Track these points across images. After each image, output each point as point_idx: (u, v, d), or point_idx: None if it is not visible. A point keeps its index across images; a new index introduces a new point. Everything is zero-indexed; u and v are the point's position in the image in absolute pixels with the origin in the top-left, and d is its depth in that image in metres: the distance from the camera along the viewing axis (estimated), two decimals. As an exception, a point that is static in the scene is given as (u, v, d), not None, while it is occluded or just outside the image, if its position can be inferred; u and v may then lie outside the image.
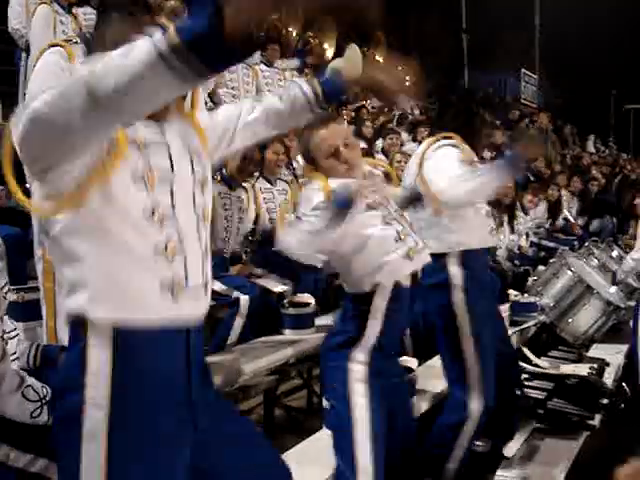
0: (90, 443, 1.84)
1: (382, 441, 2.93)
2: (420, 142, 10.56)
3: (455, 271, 3.67)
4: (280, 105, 2.29)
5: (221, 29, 1.41)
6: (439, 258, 3.62)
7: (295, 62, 10.01)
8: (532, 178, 10.54)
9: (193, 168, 2.04)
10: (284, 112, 2.29)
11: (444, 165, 3.57)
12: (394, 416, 3.07)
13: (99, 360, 1.86)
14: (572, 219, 10.78)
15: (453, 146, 3.70)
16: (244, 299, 4.79)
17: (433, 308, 3.76)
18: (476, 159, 3.79)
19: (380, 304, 2.94)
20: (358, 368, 2.93)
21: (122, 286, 1.87)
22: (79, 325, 1.89)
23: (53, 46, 3.82)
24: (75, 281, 1.88)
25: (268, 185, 5.99)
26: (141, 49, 1.49)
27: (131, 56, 1.50)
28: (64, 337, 3.73)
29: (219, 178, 5.26)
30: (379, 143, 9.81)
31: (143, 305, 1.89)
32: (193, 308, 2.00)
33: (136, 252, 1.88)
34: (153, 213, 1.89)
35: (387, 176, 3.43)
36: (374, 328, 2.95)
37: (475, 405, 3.64)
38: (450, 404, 3.76)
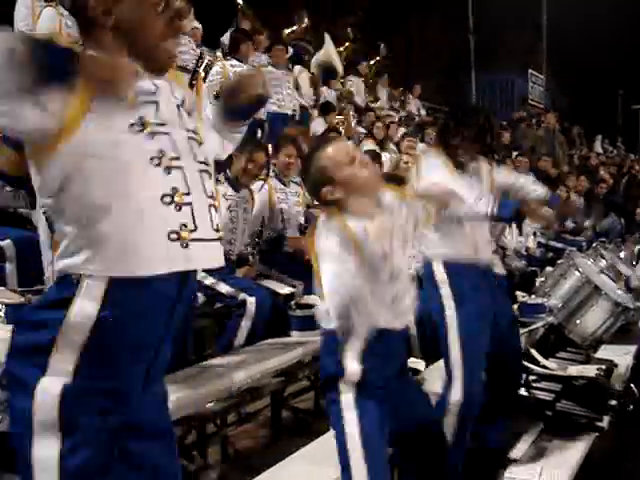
0: (52, 378, 1.86)
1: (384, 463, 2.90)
2: (428, 143, 10.65)
3: (440, 275, 3.80)
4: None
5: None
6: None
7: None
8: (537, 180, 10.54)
9: (185, 126, 2.07)
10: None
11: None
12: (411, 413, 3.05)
13: (84, 307, 1.86)
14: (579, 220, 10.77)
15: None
16: (251, 301, 4.80)
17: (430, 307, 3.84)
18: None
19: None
20: (347, 397, 2.87)
21: (129, 239, 1.87)
22: (70, 281, 1.89)
23: None
24: (79, 240, 1.88)
25: (281, 186, 6.02)
26: None
27: None
28: None
29: (223, 179, 5.26)
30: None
31: (148, 258, 1.90)
32: (200, 257, 2.00)
33: (139, 202, 1.88)
34: (159, 163, 1.92)
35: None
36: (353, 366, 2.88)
37: (455, 398, 3.70)
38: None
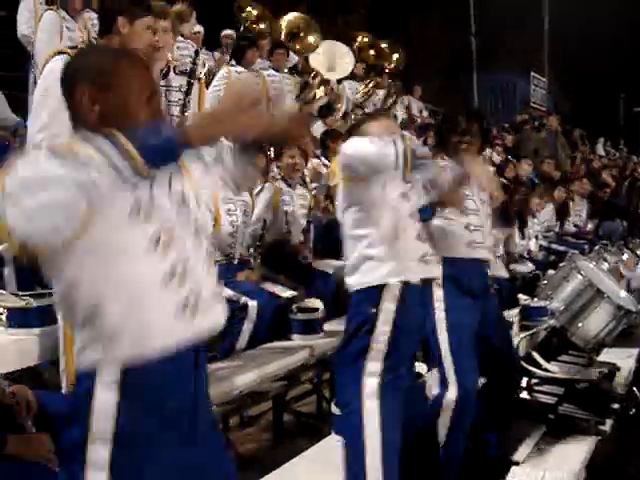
0: (93, 474, 1.91)
1: (396, 453, 2.92)
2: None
3: None
4: None
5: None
6: None
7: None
8: (537, 181, 10.55)
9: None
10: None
11: None
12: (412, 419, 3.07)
13: (105, 399, 1.91)
14: (581, 224, 10.77)
15: None
16: (252, 305, 4.80)
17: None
18: None
19: (389, 306, 2.94)
20: (371, 382, 2.90)
21: (138, 325, 1.92)
22: (86, 374, 1.94)
23: (59, 53, 3.82)
24: (90, 338, 1.94)
25: (287, 188, 6.02)
26: None
27: None
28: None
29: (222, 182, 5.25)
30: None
31: (161, 334, 1.95)
32: (208, 321, 2.05)
33: (146, 285, 1.93)
34: (157, 241, 1.95)
35: None
36: (384, 334, 2.93)
37: (450, 397, 3.70)
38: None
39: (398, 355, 3.01)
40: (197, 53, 5.42)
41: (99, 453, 1.91)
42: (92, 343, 1.94)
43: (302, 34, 9.83)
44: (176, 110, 4.72)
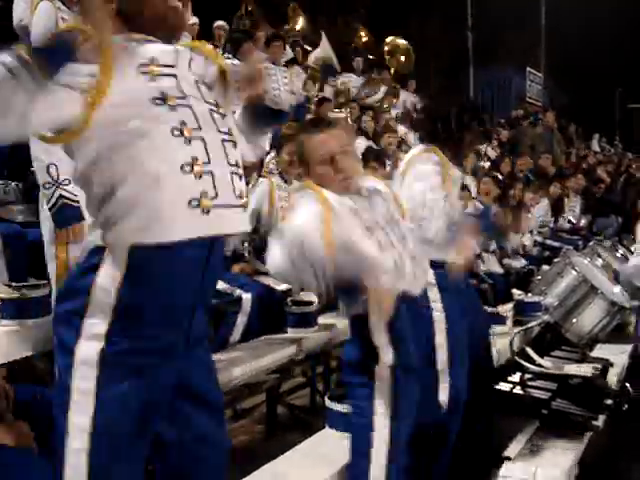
0: (88, 342, 1.94)
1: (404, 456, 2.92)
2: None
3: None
4: None
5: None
6: None
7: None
8: (531, 177, 10.56)
9: (204, 99, 2.10)
10: None
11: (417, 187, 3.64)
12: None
13: (108, 273, 1.94)
14: (574, 220, 10.78)
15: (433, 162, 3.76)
16: (247, 297, 4.79)
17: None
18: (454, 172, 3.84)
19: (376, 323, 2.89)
20: (379, 384, 2.88)
21: (150, 207, 1.92)
22: (96, 251, 1.97)
23: None
24: (103, 213, 1.96)
25: (284, 184, 6.00)
26: None
27: None
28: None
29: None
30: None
31: (170, 223, 1.93)
32: (223, 223, 2.04)
33: (161, 172, 1.92)
34: (181, 133, 1.96)
35: None
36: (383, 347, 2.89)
37: (442, 398, 3.66)
38: None
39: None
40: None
41: (96, 325, 1.94)
42: (105, 223, 1.95)
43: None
44: None
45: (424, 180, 3.66)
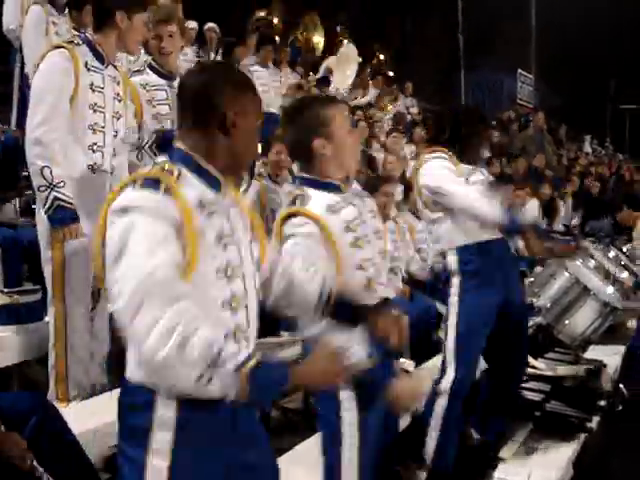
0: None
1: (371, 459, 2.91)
2: (416, 144, 10.63)
3: (452, 260, 3.91)
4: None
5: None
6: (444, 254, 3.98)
7: None
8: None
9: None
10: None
11: (441, 173, 3.81)
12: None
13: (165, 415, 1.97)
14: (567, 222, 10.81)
15: (443, 158, 3.88)
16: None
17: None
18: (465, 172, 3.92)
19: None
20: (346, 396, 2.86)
21: None
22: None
23: (57, 48, 3.82)
24: None
25: (273, 185, 5.99)
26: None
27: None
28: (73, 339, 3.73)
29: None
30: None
31: None
32: None
33: (209, 306, 1.98)
34: (225, 273, 2.02)
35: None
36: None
37: (447, 381, 3.81)
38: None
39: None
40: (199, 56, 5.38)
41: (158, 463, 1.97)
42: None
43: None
44: None
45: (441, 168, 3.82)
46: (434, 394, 3.85)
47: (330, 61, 11.00)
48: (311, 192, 2.81)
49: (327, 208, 2.78)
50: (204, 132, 2.05)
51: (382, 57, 14.54)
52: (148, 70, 4.40)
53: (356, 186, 3.09)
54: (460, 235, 3.88)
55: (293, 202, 2.81)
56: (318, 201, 2.78)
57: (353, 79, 11.25)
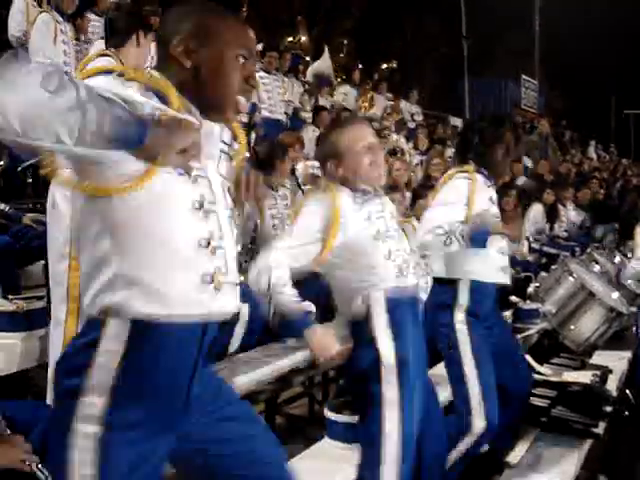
0: (86, 424, 1.88)
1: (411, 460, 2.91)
2: (422, 152, 10.64)
3: (462, 292, 3.72)
4: None
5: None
6: (447, 281, 3.75)
7: None
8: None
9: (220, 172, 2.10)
10: None
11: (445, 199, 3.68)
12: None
13: (109, 349, 1.88)
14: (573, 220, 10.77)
15: (465, 178, 3.72)
16: (244, 307, 4.77)
17: (436, 328, 3.76)
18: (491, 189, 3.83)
19: (378, 320, 2.91)
20: (390, 391, 2.87)
21: (162, 281, 1.89)
22: (97, 320, 1.90)
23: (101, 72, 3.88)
24: (111, 279, 1.89)
25: (270, 191, 5.98)
26: None
27: None
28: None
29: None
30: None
31: (183, 300, 1.91)
32: (228, 303, 2.02)
33: (180, 246, 1.90)
34: (200, 207, 1.94)
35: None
36: (385, 345, 2.90)
37: (478, 423, 3.63)
38: (453, 418, 3.73)
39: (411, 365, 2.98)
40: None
41: (92, 405, 1.88)
42: (108, 288, 1.89)
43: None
44: None
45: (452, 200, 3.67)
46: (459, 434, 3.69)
47: (316, 65, 11.09)
48: (337, 189, 2.96)
49: (353, 198, 2.95)
50: (168, 66, 2.00)
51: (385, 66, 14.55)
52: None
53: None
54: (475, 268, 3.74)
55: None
56: (344, 193, 2.95)
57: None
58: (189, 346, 1.99)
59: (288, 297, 2.89)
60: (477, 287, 3.72)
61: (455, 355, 3.70)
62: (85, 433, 1.88)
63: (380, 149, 3.07)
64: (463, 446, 3.66)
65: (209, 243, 1.94)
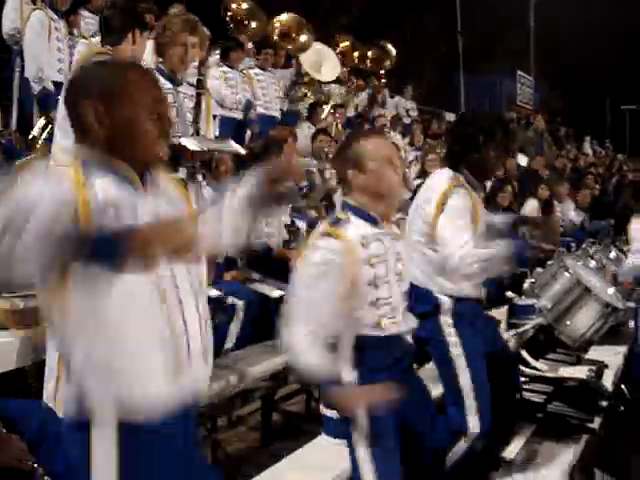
0: None
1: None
2: (418, 148, 10.62)
3: (445, 299, 3.70)
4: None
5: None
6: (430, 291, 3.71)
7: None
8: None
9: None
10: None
11: (455, 225, 3.59)
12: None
13: (104, 454, 1.92)
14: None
15: (464, 192, 3.68)
16: (240, 304, 4.77)
17: (425, 337, 3.71)
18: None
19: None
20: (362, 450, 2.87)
21: (128, 372, 1.93)
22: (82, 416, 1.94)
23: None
24: (82, 370, 1.93)
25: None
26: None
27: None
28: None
29: (204, 182, 5.21)
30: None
31: (149, 387, 1.95)
32: (195, 380, 2.07)
33: (142, 338, 1.94)
34: (161, 298, 1.97)
35: None
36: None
37: (472, 428, 3.61)
38: (445, 423, 3.70)
39: None
40: (202, 63, 5.35)
41: None
42: (85, 393, 1.93)
43: (294, 34, 9.87)
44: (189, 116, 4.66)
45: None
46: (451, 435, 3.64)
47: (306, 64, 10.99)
48: (353, 218, 2.94)
49: (361, 238, 2.89)
50: (84, 140, 2.03)
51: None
52: (157, 73, 4.42)
53: (395, 229, 3.09)
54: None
55: (336, 222, 2.94)
56: (355, 230, 2.91)
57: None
58: (175, 429, 2.02)
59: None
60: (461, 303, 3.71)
61: (446, 356, 3.69)
62: None
63: (400, 162, 3.07)
64: (459, 447, 3.65)
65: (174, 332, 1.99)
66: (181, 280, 2.02)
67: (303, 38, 9.88)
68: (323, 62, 10.65)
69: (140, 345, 1.93)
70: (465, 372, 3.64)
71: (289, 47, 9.97)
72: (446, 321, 3.69)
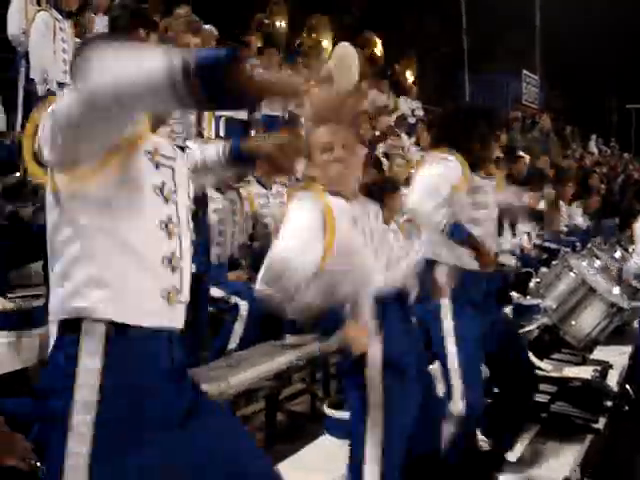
0: (76, 443, 1.90)
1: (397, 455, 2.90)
2: (423, 148, 10.59)
3: (441, 275, 3.67)
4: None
5: (230, 69, 1.58)
6: (429, 265, 3.64)
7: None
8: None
9: (188, 194, 2.20)
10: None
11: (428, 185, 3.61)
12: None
13: (89, 367, 1.92)
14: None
15: (447, 165, 3.69)
16: (243, 305, 4.78)
17: (425, 318, 3.71)
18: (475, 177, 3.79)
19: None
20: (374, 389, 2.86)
21: (131, 290, 1.96)
22: (72, 327, 1.94)
23: None
24: (86, 280, 1.93)
25: (263, 190, 5.97)
26: (154, 65, 1.59)
27: (143, 70, 1.60)
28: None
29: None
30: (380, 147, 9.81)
31: (145, 310, 1.99)
32: (178, 319, 2.11)
33: (147, 260, 1.99)
34: (167, 225, 2.03)
35: None
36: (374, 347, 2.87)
37: (456, 410, 3.59)
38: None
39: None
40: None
41: (82, 423, 1.90)
42: (79, 292, 1.94)
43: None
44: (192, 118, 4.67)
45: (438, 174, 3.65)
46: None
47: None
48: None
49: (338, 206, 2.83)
50: None
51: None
52: None
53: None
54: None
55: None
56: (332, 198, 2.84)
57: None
58: (160, 350, 2.04)
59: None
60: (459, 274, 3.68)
61: (438, 335, 3.70)
62: (77, 453, 1.91)
63: (351, 149, 2.90)
64: (445, 431, 3.64)
65: (170, 262, 2.03)
66: (180, 210, 2.10)
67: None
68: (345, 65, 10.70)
69: (145, 268, 1.98)
70: (454, 355, 3.63)
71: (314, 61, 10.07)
72: (445, 303, 3.67)
